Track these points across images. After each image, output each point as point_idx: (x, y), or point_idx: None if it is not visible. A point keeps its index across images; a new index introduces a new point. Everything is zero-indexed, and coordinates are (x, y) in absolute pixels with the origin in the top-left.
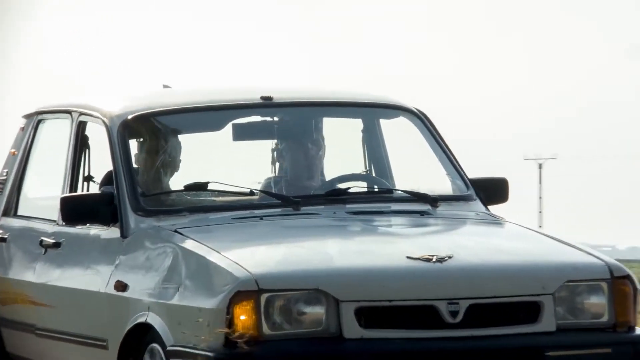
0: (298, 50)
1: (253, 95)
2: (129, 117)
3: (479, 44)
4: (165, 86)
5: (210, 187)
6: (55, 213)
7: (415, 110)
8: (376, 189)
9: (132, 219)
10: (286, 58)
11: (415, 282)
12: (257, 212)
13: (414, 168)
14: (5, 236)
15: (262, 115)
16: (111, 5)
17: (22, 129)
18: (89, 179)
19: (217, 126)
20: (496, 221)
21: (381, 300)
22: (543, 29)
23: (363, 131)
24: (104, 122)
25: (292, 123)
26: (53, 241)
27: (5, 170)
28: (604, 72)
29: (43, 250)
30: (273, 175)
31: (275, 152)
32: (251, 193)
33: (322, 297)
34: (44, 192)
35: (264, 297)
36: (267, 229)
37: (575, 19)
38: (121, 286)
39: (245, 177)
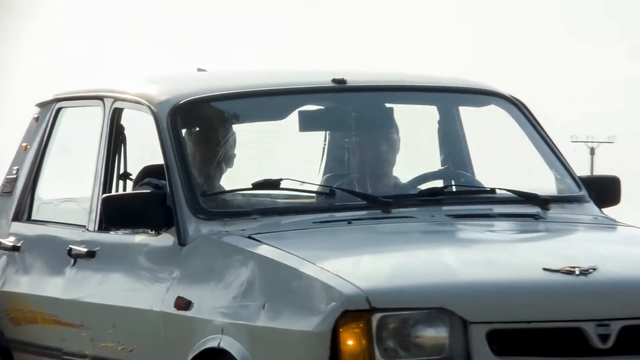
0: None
1: (323, 78)
2: (181, 101)
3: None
4: (200, 70)
5: (283, 185)
6: (84, 217)
7: (510, 96)
8: (477, 189)
9: (192, 223)
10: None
11: (557, 300)
12: (338, 215)
13: (509, 165)
14: (19, 245)
15: (333, 102)
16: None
17: (37, 119)
18: (125, 176)
19: (281, 114)
20: (619, 226)
21: (518, 321)
22: None
23: (440, 122)
24: (150, 108)
25: (369, 110)
26: (85, 250)
27: (15, 168)
28: None
29: (72, 260)
30: (340, 171)
31: (345, 145)
32: (331, 193)
33: (446, 318)
34: (66, 192)
35: (376, 318)
36: (360, 235)
37: None
38: (183, 304)
39: (309, 174)
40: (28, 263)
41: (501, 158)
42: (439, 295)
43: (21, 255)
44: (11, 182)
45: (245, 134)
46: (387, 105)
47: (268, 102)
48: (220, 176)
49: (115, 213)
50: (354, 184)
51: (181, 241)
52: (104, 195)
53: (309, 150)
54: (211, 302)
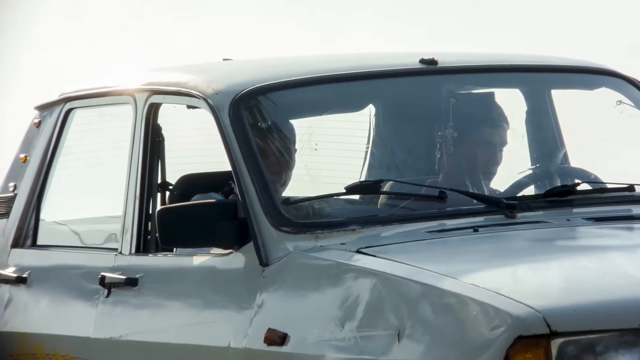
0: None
1: (408, 59)
2: (244, 91)
3: None
4: (226, 59)
5: (384, 188)
6: (113, 239)
7: (628, 76)
8: (614, 186)
9: (275, 237)
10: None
11: None
12: (453, 222)
13: (627, 158)
14: (24, 275)
15: (423, 87)
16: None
17: (38, 124)
18: (164, 186)
19: (360, 103)
20: None
21: None
22: None
23: (529, 111)
24: (205, 100)
25: (470, 96)
26: (124, 277)
27: (12, 184)
28: None
29: (105, 291)
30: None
31: (440, 138)
32: (441, 196)
33: None
34: (80, 211)
35: (556, 344)
36: (496, 244)
37: None
38: (277, 337)
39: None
40: (40, 297)
41: (614, 150)
42: (634, 314)
43: (29, 288)
44: (7, 202)
45: (310, 128)
46: (488, 89)
47: (347, 89)
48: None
49: (176, 229)
50: (465, 184)
51: (262, 260)
52: (161, 207)
53: (388, 147)
54: (316, 334)
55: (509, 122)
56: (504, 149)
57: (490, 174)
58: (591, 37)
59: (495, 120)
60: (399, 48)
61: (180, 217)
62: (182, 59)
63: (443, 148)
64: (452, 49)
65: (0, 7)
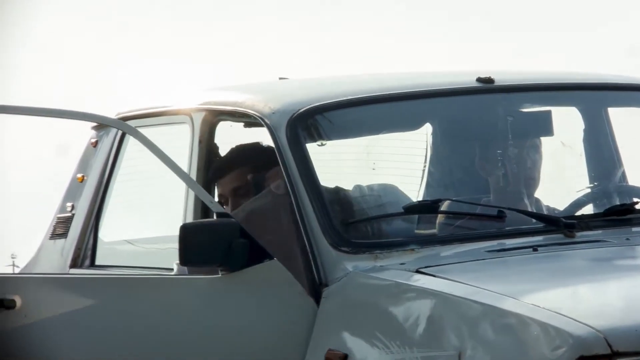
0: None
1: (465, 78)
2: (301, 110)
3: None
4: (282, 78)
5: (443, 207)
6: (171, 259)
7: None
8: None
9: (333, 258)
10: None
11: None
12: (512, 242)
13: None
14: None
15: (480, 105)
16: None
17: (95, 144)
18: (223, 204)
19: (417, 122)
20: None
21: None
22: None
23: (586, 130)
24: (261, 120)
25: (527, 115)
26: None
27: (70, 204)
28: None
29: None
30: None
31: (498, 157)
32: (499, 216)
33: None
34: (140, 231)
35: None
36: (555, 264)
37: None
38: (338, 358)
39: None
40: None
41: None
42: None
43: None
44: (65, 222)
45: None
46: (546, 108)
47: (404, 108)
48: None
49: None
50: (524, 203)
51: (321, 280)
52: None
53: (446, 166)
54: (376, 354)
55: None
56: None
57: (532, 192)
58: (591, 37)
59: (539, 138)
60: (453, 67)
61: (201, 234)
62: (237, 79)
63: (500, 166)
64: (499, 67)
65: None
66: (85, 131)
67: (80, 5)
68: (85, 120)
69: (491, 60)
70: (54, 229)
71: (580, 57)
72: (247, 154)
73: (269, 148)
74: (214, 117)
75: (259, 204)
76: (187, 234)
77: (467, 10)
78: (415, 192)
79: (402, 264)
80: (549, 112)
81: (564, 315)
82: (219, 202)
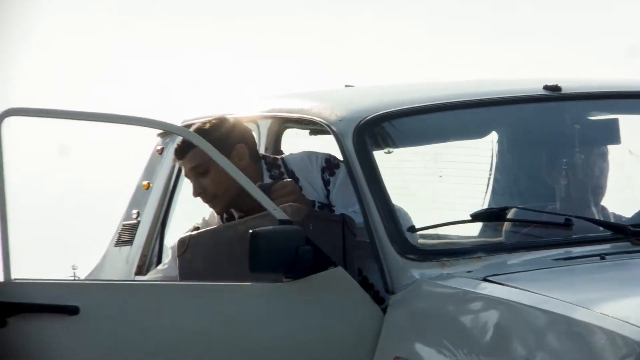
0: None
1: (531, 85)
2: (368, 117)
3: None
4: (347, 86)
5: (510, 215)
6: None
7: None
8: None
9: (400, 265)
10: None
11: None
12: (578, 250)
13: None
14: None
15: (547, 113)
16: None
17: (160, 151)
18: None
19: (483, 130)
20: None
21: None
22: None
23: None
24: (328, 127)
25: (590, 123)
26: None
27: (136, 211)
28: None
29: None
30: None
31: (565, 165)
32: (566, 224)
33: None
34: None
35: None
36: (624, 272)
37: None
38: None
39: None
40: None
41: None
42: None
43: None
44: (131, 229)
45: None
46: (613, 115)
47: (470, 116)
48: None
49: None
50: (591, 211)
51: (388, 287)
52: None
53: (512, 173)
54: None
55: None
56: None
57: (599, 200)
58: (591, 37)
59: (606, 147)
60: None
61: (269, 241)
62: (302, 86)
63: (567, 174)
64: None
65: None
66: (85, 131)
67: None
68: (150, 127)
69: (499, 65)
70: (119, 236)
71: (580, 57)
72: (203, 133)
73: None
74: (280, 124)
75: (259, 223)
76: (256, 240)
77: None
78: (481, 199)
79: (469, 271)
80: (616, 120)
81: (632, 324)
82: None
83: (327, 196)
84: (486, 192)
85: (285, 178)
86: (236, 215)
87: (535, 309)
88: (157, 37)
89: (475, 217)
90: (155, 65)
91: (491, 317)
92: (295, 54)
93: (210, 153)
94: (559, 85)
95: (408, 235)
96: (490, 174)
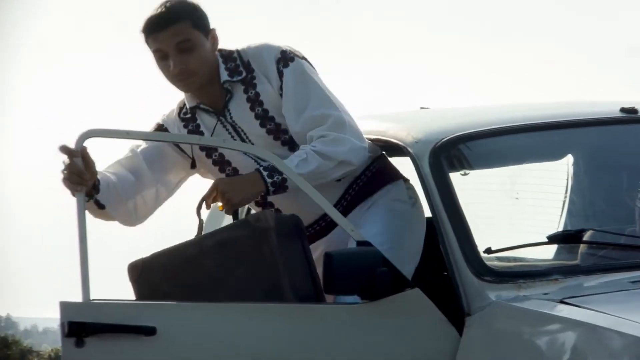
0: None
1: (607, 108)
2: (444, 139)
3: None
4: (422, 108)
5: (586, 237)
6: None
7: None
8: None
9: (476, 287)
10: None
11: None
12: None
13: None
14: None
15: (623, 136)
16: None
17: None
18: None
19: (559, 152)
20: None
21: None
22: None
23: None
24: (405, 148)
25: None
26: None
27: None
28: None
29: None
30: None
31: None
32: None
33: None
34: None
35: None
36: None
37: None
38: None
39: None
40: None
41: None
42: None
43: None
44: None
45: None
46: None
47: (547, 138)
48: None
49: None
50: None
51: (465, 309)
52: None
53: (588, 195)
54: None
55: None
56: None
57: None
58: (591, 37)
59: None
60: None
61: (346, 262)
62: (377, 107)
63: None
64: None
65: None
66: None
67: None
68: (236, 149)
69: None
70: None
71: (581, 58)
72: (187, 8)
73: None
74: None
75: (234, 234)
76: (332, 262)
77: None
78: (556, 221)
79: (545, 293)
80: None
81: None
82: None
83: (280, 87)
84: (561, 214)
85: (241, 70)
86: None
87: (612, 331)
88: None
89: (552, 239)
90: None
91: (568, 339)
92: (361, 72)
93: (289, 174)
94: (636, 107)
95: (484, 257)
96: (565, 196)
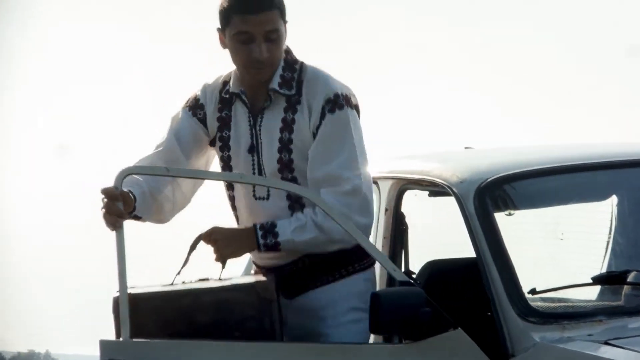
0: None
1: None
2: (489, 179)
3: None
4: (467, 148)
5: (631, 278)
6: None
7: None
8: None
9: (521, 328)
10: None
11: None
12: None
13: None
14: None
15: None
16: None
17: None
18: (408, 274)
19: (604, 193)
20: None
21: None
22: None
23: None
24: (449, 188)
25: None
26: None
27: None
28: None
29: None
30: None
31: None
32: None
33: None
34: None
35: None
36: None
37: None
38: None
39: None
40: None
41: None
42: None
43: None
44: None
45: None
46: None
47: (591, 179)
48: None
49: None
50: None
51: (507, 350)
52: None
53: (632, 236)
54: None
55: None
56: None
57: None
58: (591, 37)
59: None
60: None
61: (390, 302)
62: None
63: None
64: None
65: None
66: (85, 132)
67: None
68: (273, 187)
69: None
70: None
71: (580, 58)
72: None
73: None
74: (400, 185)
75: (236, 298)
76: (378, 301)
77: None
78: (600, 262)
79: (589, 335)
80: None
81: None
82: None
83: (317, 127)
84: (605, 255)
85: (293, 85)
86: None
87: None
88: None
89: (596, 280)
90: None
91: None
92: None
93: (330, 214)
94: None
95: (528, 298)
96: (609, 237)
